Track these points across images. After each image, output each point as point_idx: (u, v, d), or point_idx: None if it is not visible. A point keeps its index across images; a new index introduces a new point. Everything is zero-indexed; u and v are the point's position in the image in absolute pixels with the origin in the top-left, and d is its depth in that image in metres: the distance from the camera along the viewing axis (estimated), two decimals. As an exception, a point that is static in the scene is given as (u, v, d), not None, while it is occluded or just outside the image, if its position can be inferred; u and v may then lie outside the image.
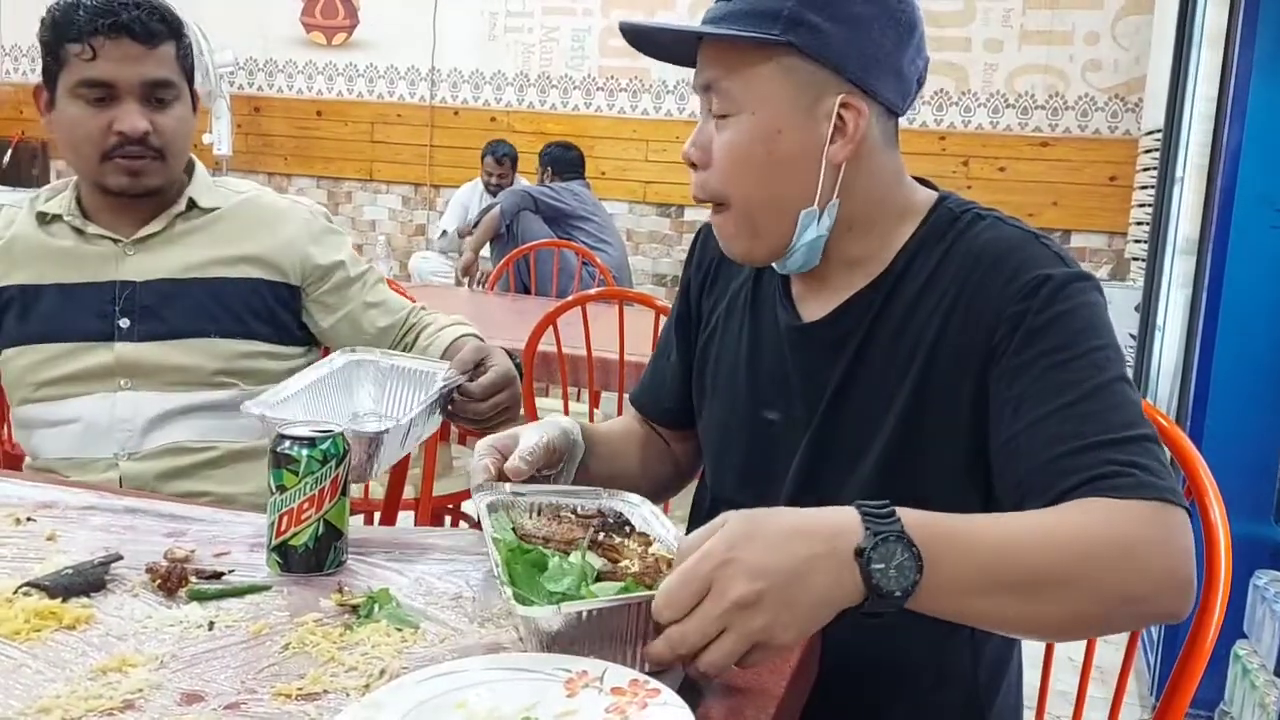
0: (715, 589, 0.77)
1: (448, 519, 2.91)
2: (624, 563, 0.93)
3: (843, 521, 0.80)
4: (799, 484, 1.10)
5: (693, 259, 1.27)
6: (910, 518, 0.80)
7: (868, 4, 1.01)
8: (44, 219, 1.52)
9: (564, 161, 4.96)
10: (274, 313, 1.54)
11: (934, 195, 1.10)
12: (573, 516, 1.03)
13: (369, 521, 2.18)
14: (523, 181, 5.27)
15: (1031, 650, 1.38)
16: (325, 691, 0.82)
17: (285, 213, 1.58)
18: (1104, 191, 5.15)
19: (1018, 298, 0.98)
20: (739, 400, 1.16)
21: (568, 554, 0.95)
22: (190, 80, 1.51)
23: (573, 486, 1.14)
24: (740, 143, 1.02)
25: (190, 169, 1.57)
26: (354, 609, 0.95)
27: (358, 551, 1.09)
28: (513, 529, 1.00)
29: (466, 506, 2.88)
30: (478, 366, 1.31)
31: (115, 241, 1.50)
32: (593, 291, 2.57)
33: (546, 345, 2.47)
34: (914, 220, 1.08)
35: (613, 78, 5.85)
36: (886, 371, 1.05)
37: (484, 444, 1.11)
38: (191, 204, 1.53)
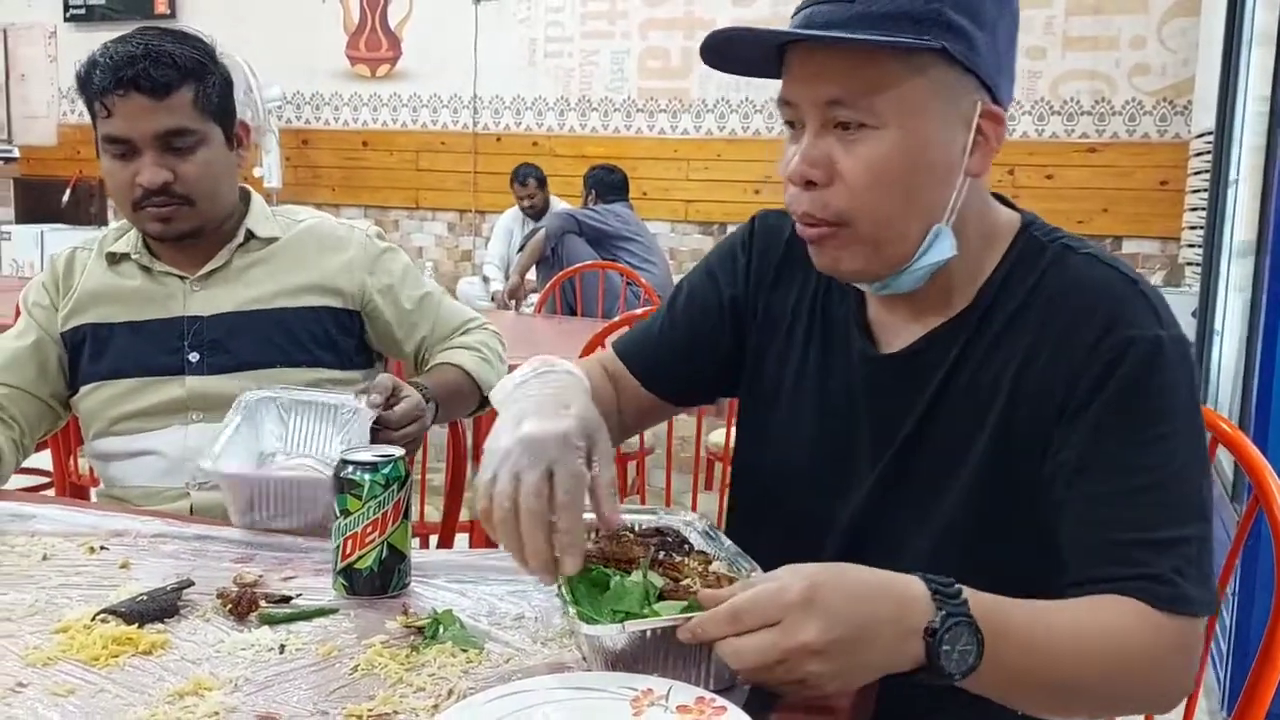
0: (787, 624, 0.77)
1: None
2: (686, 581, 0.93)
3: (912, 593, 0.81)
4: (862, 524, 1.06)
5: (751, 247, 1.16)
6: (976, 604, 0.81)
7: (996, 3, 0.94)
8: (113, 259, 1.56)
9: (608, 184, 4.99)
10: (335, 339, 1.57)
11: (1017, 217, 1.03)
12: (631, 535, 1.04)
13: (424, 544, 2.20)
14: (562, 203, 5.31)
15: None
16: (395, 712, 0.83)
17: (344, 239, 1.61)
18: (1155, 196, 5.07)
19: (1103, 357, 0.92)
20: (801, 420, 1.11)
21: (628, 573, 0.95)
22: (222, 117, 1.50)
23: (629, 505, 1.14)
24: (883, 160, 0.92)
25: (247, 200, 1.60)
26: (419, 630, 0.96)
27: (419, 574, 1.10)
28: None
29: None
30: (390, 397, 1.35)
31: (181, 278, 1.54)
32: (640, 311, 2.58)
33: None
34: (1000, 246, 1.01)
35: (652, 99, 5.89)
36: (965, 415, 0.99)
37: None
38: (250, 235, 1.56)
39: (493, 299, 5.22)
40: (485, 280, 5.46)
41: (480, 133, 6.23)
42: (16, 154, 6.64)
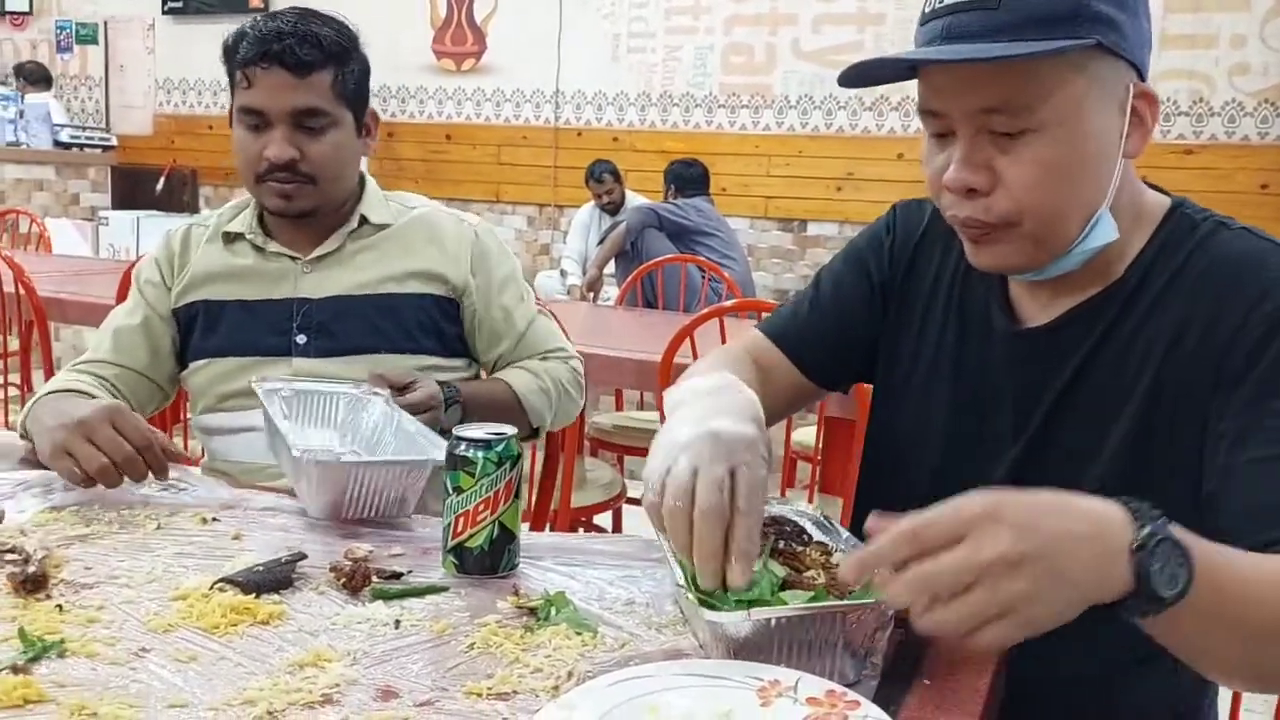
0: (973, 539, 0.68)
1: (581, 530, 2.93)
2: (809, 573, 0.91)
3: (1110, 511, 0.73)
4: None
5: (894, 230, 1.17)
6: (1176, 527, 0.75)
7: None
8: (228, 238, 1.57)
9: (687, 178, 4.97)
10: (440, 327, 1.56)
11: (1167, 199, 1.03)
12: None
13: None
14: (640, 198, 5.29)
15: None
16: (514, 692, 0.82)
17: (454, 231, 1.60)
18: (1255, 200, 4.90)
19: (1261, 321, 0.90)
20: (936, 402, 1.10)
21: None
22: (355, 104, 1.52)
23: None
24: (1047, 161, 0.92)
25: (362, 184, 1.60)
26: (532, 611, 0.95)
27: (527, 555, 1.09)
28: None
29: (599, 519, 2.89)
30: (405, 388, 1.37)
31: (293, 259, 1.55)
32: (729, 303, 2.55)
33: (682, 358, 2.46)
34: (1149, 225, 1.00)
35: (734, 94, 5.85)
36: (1111, 388, 0.98)
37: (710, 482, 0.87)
38: (363, 220, 1.56)
39: (569, 293, 5.23)
40: (563, 274, 5.47)
41: (561, 127, 6.25)
42: (115, 142, 6.84)
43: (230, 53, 1.48)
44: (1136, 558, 0.72)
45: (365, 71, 1.54)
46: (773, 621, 0.82)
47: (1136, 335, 0.97)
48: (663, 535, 0.93)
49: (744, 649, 0.83)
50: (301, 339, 1.52)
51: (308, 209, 1.51)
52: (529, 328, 1.63)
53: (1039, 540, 0.69)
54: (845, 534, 1.00)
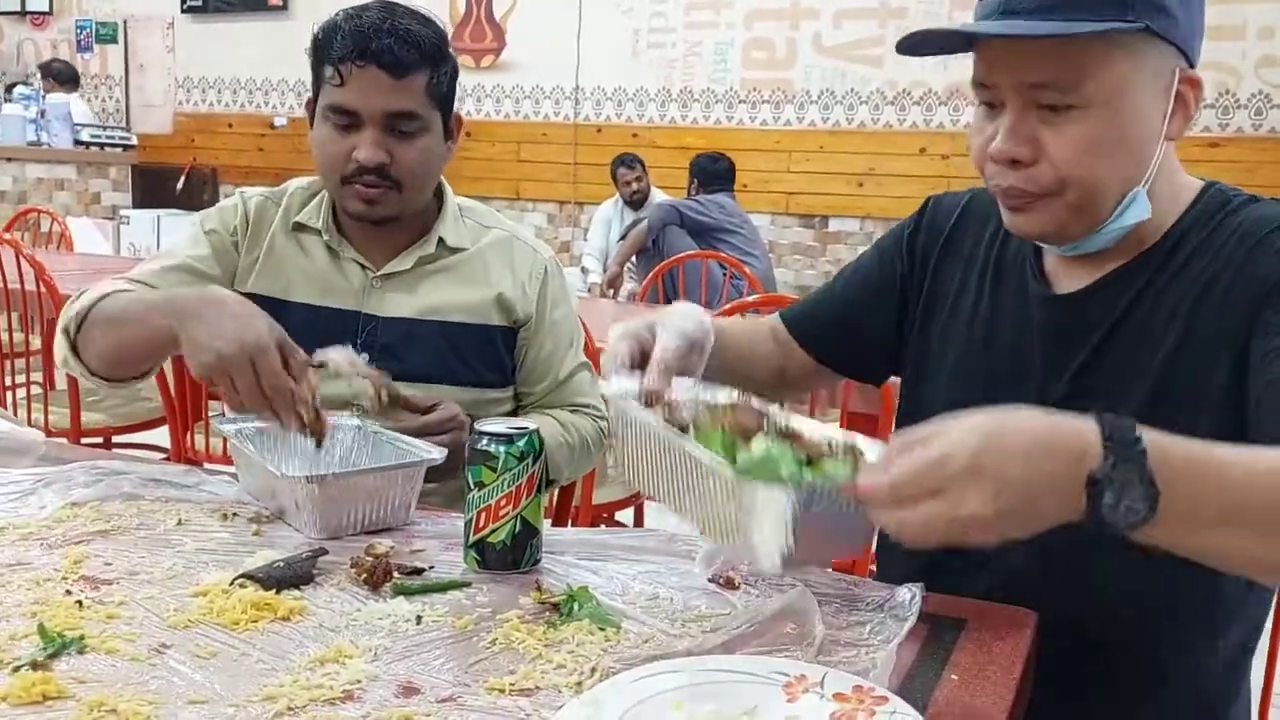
0: (951, 496, 0.72)
1: (603, 526, 2.92)
2: (825, 451, 0.84)
3: (1085, 441, 0.74)
4: None
5: (921, 224, 1.21)
6: (1156, 447, 0.73)
7: None
8: (299, 228, 1.51)
9: (712, 173, 4.94)
10: (501, 358, 1.52)
11: (1200, 181, 1.06)
12: (731, 406, 0.93)
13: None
14: (662, 195, 5.28)
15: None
16: (537, 688, 0.81)
17: (526, 260, 1.54)
18: (1282, 193, 4.84)
19: None
20: (972, 373, 1.12)
21: (748, 442, 0.85)
22: (444, 107, 1.45)
23: (703, 384, 1.03)
24: (1091, 138, 0.96)
25: (441, 199, 1.54)
26: (555, 607, 0.94)
27: (549, 551, 1.08)
28: (676, 427, 0.90)
29: (621, 515, 2.88)
30: (427, 410, 1.34)
31: (363, 268, 1.49)
32: (751, 298, 2.53)
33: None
34: (1184, 201, 1.04)
35: (755, 89, 5.82)
36: (1137, 349, 1.01)
37: (621, 331, 1.04)
38: (440, 242, 1.50)
39: (590, 289, 5.22)
40: (584, 271, 5.46)
41: (581, 124, 6.24)
42: (135, 141, 6.87)
43: (322, 47, 1.41)
44: (1089, 491, 0.73)
45: (456, 72, 1.47)
46: (819, 488, 0.77)
47: (1163, 295, 1.01)
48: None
49: (791, 529, 0.77)
50: (364, 357, 1.41)
51: (391, 215, 1.44)
52: (570, 377, 1.57)
53: (1009, 498, 0.72)
54: (818, 424, 0.93)
